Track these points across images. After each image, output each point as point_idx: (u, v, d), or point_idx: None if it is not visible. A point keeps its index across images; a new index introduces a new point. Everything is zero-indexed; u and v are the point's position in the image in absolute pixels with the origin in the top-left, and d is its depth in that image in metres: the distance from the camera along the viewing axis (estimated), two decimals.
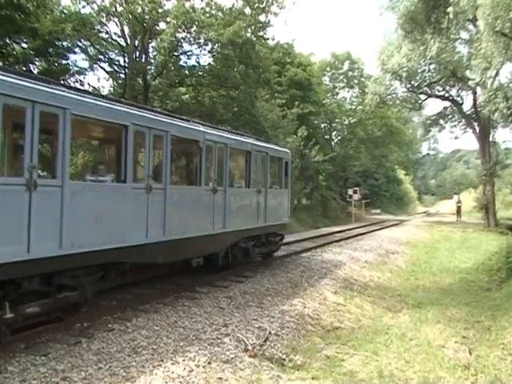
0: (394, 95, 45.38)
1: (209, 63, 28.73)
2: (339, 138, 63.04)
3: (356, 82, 62.54)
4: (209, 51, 27.77)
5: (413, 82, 43.34)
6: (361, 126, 58.95)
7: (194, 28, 25.20)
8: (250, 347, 9.03)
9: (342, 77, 63.00)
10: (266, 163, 16.35)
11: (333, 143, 59.99)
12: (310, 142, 40.96)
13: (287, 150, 18.72)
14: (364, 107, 53.30)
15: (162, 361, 7.79)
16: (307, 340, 10.31)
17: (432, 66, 41.38)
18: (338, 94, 64.27)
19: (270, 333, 9.95)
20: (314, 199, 45.61)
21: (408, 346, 10.30)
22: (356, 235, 32.47)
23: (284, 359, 9.02)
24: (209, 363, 7.94)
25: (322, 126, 58.27)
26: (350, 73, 62.61)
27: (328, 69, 62.42)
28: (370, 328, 11.74)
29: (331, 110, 57.26)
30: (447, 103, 46.74)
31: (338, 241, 28.20)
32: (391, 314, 13.47)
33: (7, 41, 17.97)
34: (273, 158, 16.97)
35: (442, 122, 48.32)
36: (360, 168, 61.09)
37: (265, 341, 9.57)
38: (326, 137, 59.02)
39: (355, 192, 46.89)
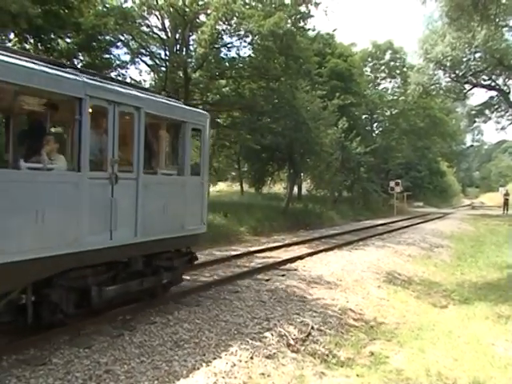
0: (437, 85, 44.42)
1: (249, 55, 28.55)
2: (381, 129, 62.03)
3: (398, 72, 61.32)
4: (249, 43, 27.56)
5: (457, 72, 42.28)
6: (403, 116, 57.83)
7: (235, 20, 25.03)
8: (292, 342, 8.91)
9: (383, 67, 61.88)
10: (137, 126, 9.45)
11: (374, 135, 59.04)
12: (351, 133, 40.42)
13: (203, 112, 11.75)
14: (406, 98, 52.32)
15: (204, 355, 7.73)
16: (350, 335, 10.12)
17: (478, 55, 40.30)
18: (379, 84, 63.23)
19: (312, 328, 9.80)
20: (356, 191, 45.15)
21: (456, 344, 9.98)
22: (399, 228, 31.96)
23: (327, 355, 8.86)
24: (251, 358, 7.84)
25: (363, 117, 57.40)
26: (392, 63, 61.41)
27: (369, 59, 61.41)
28: (415, 324, 11.45)
29: (372, 100, 56.34)
30: (493, 93, 45.52)
31: (380, 234, 27.80)
32: (437, 310, 13.13)
33: (52, 36, 18.22)
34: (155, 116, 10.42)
35: (487, 112, 47.05)
36: (402, 160, 59.97)
37: (307, 336, 9.43)
38: (368, 128, 58.12)
39: (397, 184, 46.09)
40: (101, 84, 8.25)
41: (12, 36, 18.11)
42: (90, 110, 7.91)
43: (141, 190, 9.00)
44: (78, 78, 7.77)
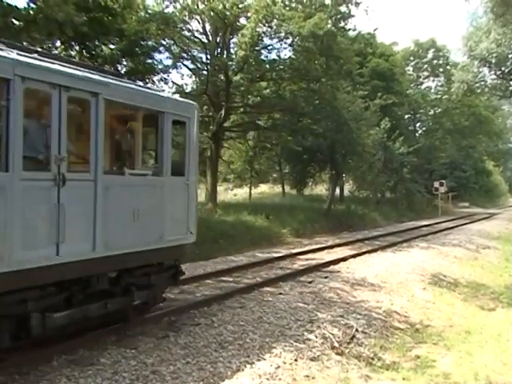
0: (482, 83, 43.40)
1: (289, 57, 28.52)
2: (424, 128, 61.02)
3: (441, 70, 60.24)
4: (289, 44, 27.52)
5: (503, 69, 41.18)
6: (447, 115, 56.76)
7: (275, 22, 25.05)
8: (336, 344, 8.85)
9: (426, 66, 60.91)
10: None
11: (417, 134, 58.13)
12: (394, 133, 39.93)
13: (188, 101, 10.13)
14: (450, 96, 51.40)
15: (249, 357, 7.76)
16: (396, 338, 9.99)
17: None
18: (422, 83, 62.25)
19: (356, 330, 9.73)
20: (399, 192, 44.54)
21: (505, 347, 9.75)
22: (444, 229, 31.39)
23: (372, 358, 8.76)
24: (295, 360, 7.84)
25: (406, 116, 56.54)
26: (435, 61, 60.39)
27: (411, 58, 60.53)
28: (462, 327, 11.23)
29: (415, 100, 55.42)
30: None
31: (424, 235, 27.36)
32: (485, 313, 12.85)
33: (96, 42, 18.61)
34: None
35: None
36: (446, 160, 58.82)
37: (351, 338, 9.36)
38: (410, 128, 57.25)
39: (441, 184, 45.24)
40: (39, 63, 6.71)
41: (58, 43, 18.59)
42: (25, 95, 6.36)
43: (101, 194, 7.35)
44: (4, 54, 6.28)
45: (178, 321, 9.34)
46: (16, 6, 15.87)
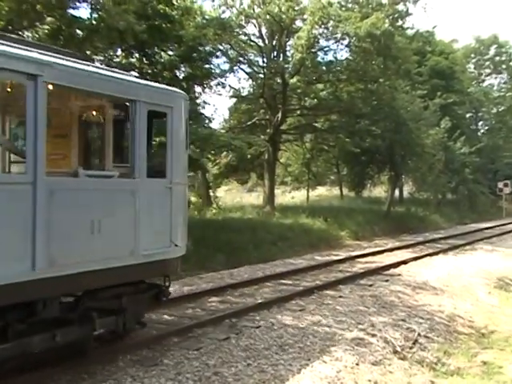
0: None
1: (346, 58, 28.34)
2: (486, 127, 59.18)
3: (504, 67, 58.38)
4: (346, 45, 27.35)
5: None
6: (511, 113, 54.90)
7: (331, 23, 24.95)
8: (398, 349, 8.71)
9: (488, 63, 59.15)
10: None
11: (479, 134, 56.46)
12: (455, 133, 38.94)
13: (171, 89, 8.40)
14: None
15: (309, 360, 7.74)
16: (460, 343, 9.75)
17: None
18: (483, 81, 60.44)
19: (419, 334, 9.55)
20: (460, 193, 43.33)
21: None
22: (509, 231, 30.34)
23: (436, 363, 8.58)
24: (357, 364, 7.76)
25: (467, 115, 55.01)
26: (498, 58, 58.56)
27: (472, 55, 58.90)
28: None
29: (477, 98, 53.87)
30: None
31: (488, 237, 26.57)
32: None
33: (155, 49, 19.00)
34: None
35: None
36: (511, 159, 56.87)
37: (414, 343, 9.19)
38: (472, 127, 55.67)
39: (506, 185, 43.77)
40: None
41: (119, 52, 19.10)
42: None
43: (43, 200, 5.88)
44: None
45: (239, 323, 9.41)
46: (80, 17, 16.44)
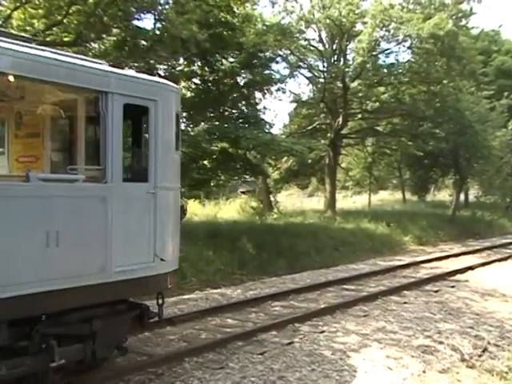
0: None
1: (408, 60, 27.87)
2: None
3: None
4: (408, 47, 26.91)
5: None
6: None
7: (392, 25, 24.58)
8: (467, 357, 8.48)
9: None
10: None
11: None
12: None
13: (154, 79, 7.27)
14: None
15: (375, 366, 7.66)
16: None
17: None
18: None
19: (488, 342, 9.27)
20: None
21: None
22: None
23: (507, 372, 8.29)
24: (423, 372, 7.63)
25: None
26: None
27: None
28: None
29: None
30: None
31: None
32: None
33: (217, 57, 19.30)
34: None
35: None
36: None
37: (483, 351, 8.93)
38: None
39: None
40: None
41: (181, 60, 19.51)
42: None
43: None
44: None
45: (302, 328, 9.41)
46: (144, 28, 16.92)
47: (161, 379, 6.86)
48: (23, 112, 7.17)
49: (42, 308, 5.59)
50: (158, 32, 16.96)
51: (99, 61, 6.87)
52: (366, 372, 7.44)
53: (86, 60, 6.41)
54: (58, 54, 6.14)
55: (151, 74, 8.58)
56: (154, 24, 17.29)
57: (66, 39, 15.19)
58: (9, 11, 14.44)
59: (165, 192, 6.84)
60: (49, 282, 5.49)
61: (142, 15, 16.77)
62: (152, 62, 17.35)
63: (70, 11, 14.14)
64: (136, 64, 17.27)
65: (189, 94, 20.22)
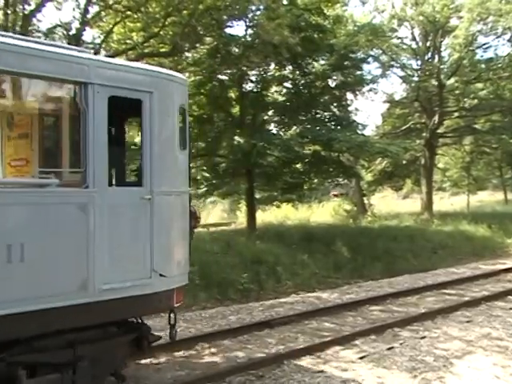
0: None
1: (508, 53, 26.63)
2: None
3: None
4: (508, 40, 25.84)
5: None
6: None
7: (491, 18, 23.67)
8: None
9: None
10: None
11: None
12: None
13: (149, 68, 6.34)
14: None
15: (481, 374, 7.32)
16: None
17: None
18: None
19: None
20: None
21: None
22: None
23: None
24: None
25: None
26: None
27: None
28: None
29: None
30: None
31: None
32: None
33: (308, 60, 19.34)
34: None
35: None
36: None
37: None
38: None
39: None
40: None
41: (272, 65, 19.71)
42: None
43: None
44: None
45: (402, 333, 9.19)
46: (236, 35, 17.29)
47: (261, 381, 6.93)
48: (14, 111, 6.38)
49: (3, 334, 4.73)
50: (249, 38, 17.28)
51: (81, 48, 6.07)
52: (471, 380, 7.13)
53: (59, 47, 5.58)
54: (25, 40, 5.35)
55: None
56: (246, 31, 17.65)
57: (162, 50, 15.80)
58: (110, 26, 15.22)
59: (164, 197, 5.96)
60: (10, 303, 4.67)
61: (234, 22, 17.17)
62: (244, 68, 17.67)
63: (166, 23, 14.69)
64: (229, 71, 17.70)
65: (280, 99, 20.40)
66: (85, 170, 5.27)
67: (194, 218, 6.64)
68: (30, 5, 13.52)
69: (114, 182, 6.03)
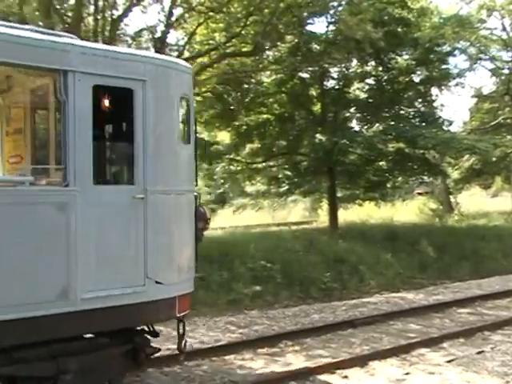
0: None
1: None
2: None
3: None
4: None
5: None
6: None
7: None
8: None
9: None
10: None
11: None
12: None
13: (143, 53, 6.88)
14: None
15: None
16: None
17: None
18: None
19: None
20: None
21: None
22: None
23: None
24: None
25: None
26: None
27: None
28: None
29: None
30: None
31: None
32: None
33: (391, 55, 18.92)
34: None
35: None
36: None
37: None
38: None
39: None
40: None
41: (354, 62, 19.43)
42: None
43: None
44: None
45: (493, 337, 8.80)
46: (317, 32, 17.16)
47: (345, 381, 6.83)
48: (11, 105, 6.07)
49: None
50: (331, 35, 17.10)
51: (63, 33, 5.56)
52: None
53: (38, 32, 5.08)
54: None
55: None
56: (327, 27, 17.48)
57: (244, 49, 15.95)
58: (193, 27, 15.53)
59: (161, 197, 5.46)
60: None
61: (315, 19, 17.05)
62: (325, 65, 17.52)
63: (248, 22, 14.79)
64: (310, 68, 17.60)
65: (362, 95, 20.09)
66: (65, 166, 4.82)
67: (202, 219, 6.17)
68: (117, 10, 14.00)
69: (100, 180, 5.48)
